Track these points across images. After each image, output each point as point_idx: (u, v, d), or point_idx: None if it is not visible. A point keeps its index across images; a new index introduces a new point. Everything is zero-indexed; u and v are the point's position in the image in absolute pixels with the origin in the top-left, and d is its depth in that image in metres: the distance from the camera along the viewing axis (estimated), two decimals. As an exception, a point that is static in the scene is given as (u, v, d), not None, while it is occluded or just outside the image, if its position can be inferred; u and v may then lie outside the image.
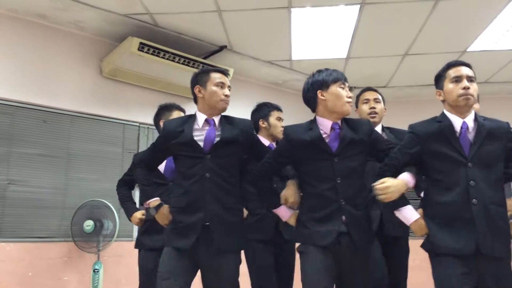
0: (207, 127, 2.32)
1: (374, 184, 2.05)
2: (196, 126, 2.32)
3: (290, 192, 2.27)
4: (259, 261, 2.68)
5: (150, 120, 4.53)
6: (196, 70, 4.17)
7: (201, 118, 2.34)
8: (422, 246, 2.07)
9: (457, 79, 2.10)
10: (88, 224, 3.80)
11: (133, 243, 4.24)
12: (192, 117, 2.37)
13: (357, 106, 2.92)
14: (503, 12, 3.89)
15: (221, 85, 2.33)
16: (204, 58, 4.55)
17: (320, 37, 4.43)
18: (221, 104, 2.33)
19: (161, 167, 2.74)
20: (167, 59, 4.14)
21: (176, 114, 2.89)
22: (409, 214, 2.11)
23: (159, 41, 4.16)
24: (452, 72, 2.13)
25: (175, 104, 3.04)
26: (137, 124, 4.56)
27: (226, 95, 2.33)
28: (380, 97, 2.86)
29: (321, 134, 2.19)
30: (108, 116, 4.36)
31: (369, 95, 2.85)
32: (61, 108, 4.09)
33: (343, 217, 2.10)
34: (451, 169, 2.02)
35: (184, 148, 2.27)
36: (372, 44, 4.60)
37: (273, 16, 3.98)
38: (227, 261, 2.20)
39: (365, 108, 2.82)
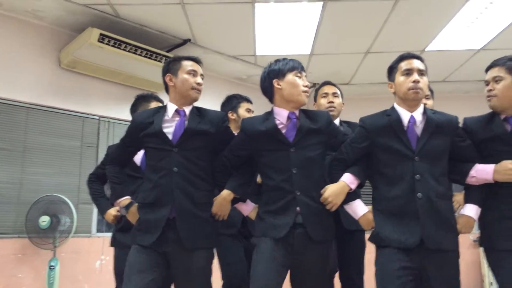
0: (177, 118, 2.21)
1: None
2: (166, 117, 2.22)
3: (221, 206, 2.19)
4: (229, 257, 2.63)
5: (111, 113, 4.53)
6: (158, 64, 4.23)
7: (171, 108, 2.24)
8: (369, 239, 2.08)
9: (408, 72, 2.08)
10: (44, 220, 3.68)
11: (92, 239, 4.20)
12: (163, 108, 2.28)
13: (315, 100, 2.91)
14: (460, 13, 4.03)
15: (193, 73, 2.24)
16: (168, 51, 4.48)
17: (284, 33, 4.45)
18: (193, 92, 2.23)
19: (137, 160, 2.63)
20: (129, 51, 4.05)
21: (154, 105, 2.73)
22: (358, 208, 2.11)
23: (121, 33, 4.08)
24: (403, 65, 2.11)
25: (153, 94, 2.90)
26: (97, 117, 4.45)
27: (198, 83, 2.24)
28: (338, 91, 2.86)
29: (276, 124, 2.15)
30: (66, 108, 4.23)
31: (328, 89, 2.84)
32: (17, 100, 3.94)
33: (298, 208, 2.05)
34: (398, 163, 2.01)
35: (152, 140, 2.17)
36: (335, 41, 4.66)
37: (237, 10, 3.97)
38: (197, 258, 2.09)
39: (323, 102, 2.81)
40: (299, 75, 2.20)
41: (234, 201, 2.23)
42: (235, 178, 2.23)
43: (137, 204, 2.23)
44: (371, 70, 5.29)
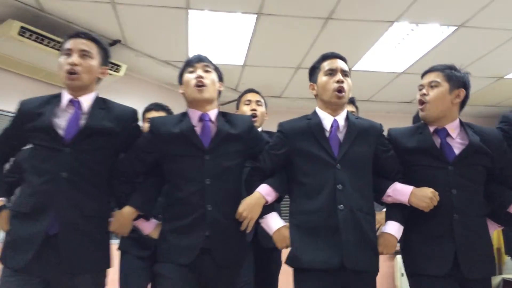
0: (71, 110, 1.84)
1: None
2: (59, 108, 1.84)
3: (121, 224, 1.90)
4: (129, 283, 2.40)
5: (29, 112, 4.24)
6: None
7: (65, 98, 1.84)
8: (286, 262, 1.85)
9: (331, 72, 1.91)
10: None
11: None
12: (57, 97, 1.87)
13: (237, 108, 2.78)
14: (383, 37, 4.27)
15: (68, 52, 1.84)
16: (96, 51, 4.31)
17: (217, 41, 4.45)
18: (65, 76, 1.82)
19: None
20: (52, 47, 3.83)
21: None
22: (272, 223, 1.88)
23: (44, 28, 3.84)
24: (326, 64, 1.94)
25: None
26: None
27: (70, 63, 1.81)
28: (262, 100, 2.76)
29: (192, 126, 1.90)
30: (-21, 104, 3.92)
31: (251, 96, 2.73)
32: None
33: (207, 232, 1.80)
34: (319, 171, 1.82)
35: (39, 135, 1.78)
36: (267, 54, 4.74)
37: (170, 15, 3.90)
38: (83, 283, 1.74)
39: (245, 109, 2.68)
40: (191, 69, 1.97)
41: (136, 217, 1.94)
42: (141, 193, 1.92)
43: (9, 210, 1.86)
44: (301, 85, 5.38)
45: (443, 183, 1.88)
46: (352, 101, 2.80)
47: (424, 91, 1.99)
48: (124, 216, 1.89)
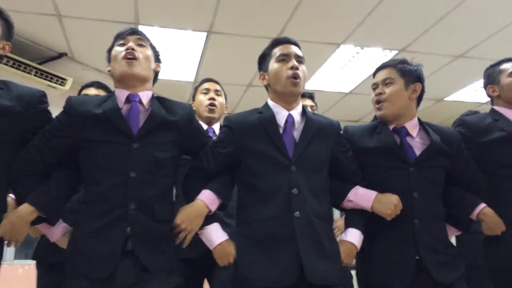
0: None
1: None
2: None
3: (13, 227, 1.49)
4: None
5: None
6: (28, 76, 3.91)
7: None
8: (232, 284, 1.61)
9: (284, 58, 1.70)
10: None
11: None
12: None
13: (193, 99, 2.43)
14: (331, 58, 4.42)
15: None
16: (40, 63, 4.18)
17: (168, 58, 4.43)
18: None
19: None
20: (-5, 60, 3.68)
21: None
22: (213, 236, 1.60)
23: (-16, 38, 3.70)
24: (278, 50, 1.72)
25: None
26: None
27: None
28: (222, 91, 2.43)
29: (118, 106, 1.59)
30: None
31: (210, 85, 2.39)
32: None
33: (128, 229, 1.48)
34: (271, 173, 1.60)
35: None
36: (218, 72, 4.73)
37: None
38: None
39: (203, 98, 2.31)
40: (121, 42, 1.68)
41: (37, 220, 1.55)
42: (45, 188, 1.56)
43: None
44: (253, 102, 5.37)
45: (404, 185, 1.74)
46: (311, 96, 2.65)
47: (379, 89, 1.86)
48: (20, 217, 1.48)
